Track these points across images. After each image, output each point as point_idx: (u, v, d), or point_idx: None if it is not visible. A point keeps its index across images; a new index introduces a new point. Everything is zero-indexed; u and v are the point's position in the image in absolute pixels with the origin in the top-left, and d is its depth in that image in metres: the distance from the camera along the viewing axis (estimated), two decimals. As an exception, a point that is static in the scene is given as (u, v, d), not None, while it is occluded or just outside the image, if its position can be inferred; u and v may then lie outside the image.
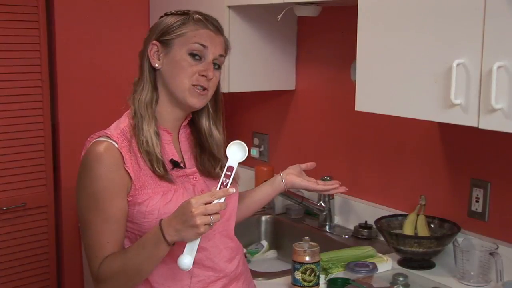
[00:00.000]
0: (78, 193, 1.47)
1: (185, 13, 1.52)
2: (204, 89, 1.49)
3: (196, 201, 1.32)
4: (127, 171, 1.43)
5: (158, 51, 1.50)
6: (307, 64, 2.67)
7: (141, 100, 1.49)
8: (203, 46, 1.48)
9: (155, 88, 1.51)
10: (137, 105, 1.49)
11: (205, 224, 1.32)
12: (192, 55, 1.48)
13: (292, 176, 1.77)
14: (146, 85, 1.50)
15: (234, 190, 1.39)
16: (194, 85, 1.48)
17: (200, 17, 1.51)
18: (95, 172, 1.42)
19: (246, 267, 1.68)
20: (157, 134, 1.48)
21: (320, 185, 1.78)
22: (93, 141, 1.46)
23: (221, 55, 1.52)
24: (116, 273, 1.42)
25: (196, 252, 1.36)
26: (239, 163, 1.43)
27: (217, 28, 1.52)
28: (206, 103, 1.54)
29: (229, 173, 1.40)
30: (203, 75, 1.48)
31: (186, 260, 1.34)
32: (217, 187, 1.39)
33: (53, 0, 2.76)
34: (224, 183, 1.39)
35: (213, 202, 1.34)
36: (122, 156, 1.43)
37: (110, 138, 1.45)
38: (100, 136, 1.46)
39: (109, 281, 1.43)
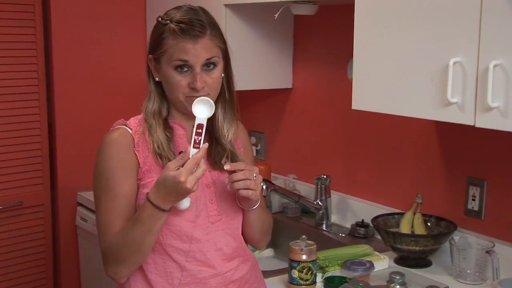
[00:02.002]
0: (94, 174, 1.55)
1: (165, 23, 1.49)
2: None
3: (184, 175, 1.36)
4: (136, 154, 1.50)
5: (154, 65, 1.54)
6: (304, 62, 2.67)
7: (148, 110, 1.55)
8: (184, 61, 1.47)
9: (162, 96, 1.56)
10: (144, 114, 1.55)
11: (195, 183, 1.39)
12: (179, 68, 1.48)
13: None
14: (152, 95, 1.56)
15: (207, 145, 1.43)
16: (188, 97, 1.49)
17: (175, 27, 1.46)
18: (107, 153, 1.51)
19: (256, 276, 1.65)
20: (168, 137, 1.53)
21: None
22: (113, 128, 1.55)
23: (209, 59, 1.48)
24: (119, 247, 1.48)
25: (190, 244, 1.44)
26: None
27: (196, 35, 1.46)
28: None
29: (200, 131, 1.43)
30: (192, 88, 1.48)
31: (184, 202, 1.44)
32: (190, 146, 1.41)
33: (49, -1, 2.77)
34: (197, 141, 1.42)
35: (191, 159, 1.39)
36: (134, 141, 1.51)
37: (127, 125, 1.54)
38: (120, 124, 1.55)
39: (112, 256, 1.50)
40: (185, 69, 1.48)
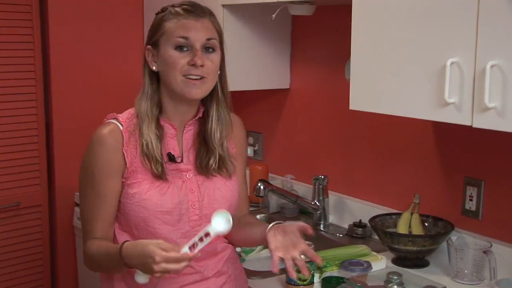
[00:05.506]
0: (81, 167, 1.56)
1: (166, 9, 1.53)
2: (201, 77, 1.49)
3: (160, 258, 1.32)
4: (124, 154, 1.50)
5: (152, 54, 1.54)
6: (302, 63, 2.67)
7: (141, 105, 1.54)
8: (185, 38, 1.48)
9: (155, 90, 1.55)
10: (138, 108, 1.54)
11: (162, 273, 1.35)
12: (179, 48, 1.49)
13: (272, 237, 1.55)
14: (145, 88, 1.55)
15: (199, 255, 1.38)
16: (187, 78, 1.48)
17: (178, 9, 1.51)
18: (95, 151, 1.51)
19: (235, 268, 1.68)
20: (158, 136, 1.52)
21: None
22: (104, 122, 1.54)
23: (209, 39, 1.51)
24: (92, 258, 1.52)
25: None
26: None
27: (198, 14, 1.51)
28: (207, 91, 1.53)
29: (204, 238, 1.38)
30: (192, 64, 1.48)
31: (141, 278, 1.40)
32: (186, 245, 1.37)
33: (46, -1, 2.77)
34: (195, 245, 1.37)
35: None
36: (124, 139, 1.50)
37: (117, 120, 1.53)
38: (111, 118, 1.54)
39: (88, 260, 1.56)
40: (185, 48, 1.49)
